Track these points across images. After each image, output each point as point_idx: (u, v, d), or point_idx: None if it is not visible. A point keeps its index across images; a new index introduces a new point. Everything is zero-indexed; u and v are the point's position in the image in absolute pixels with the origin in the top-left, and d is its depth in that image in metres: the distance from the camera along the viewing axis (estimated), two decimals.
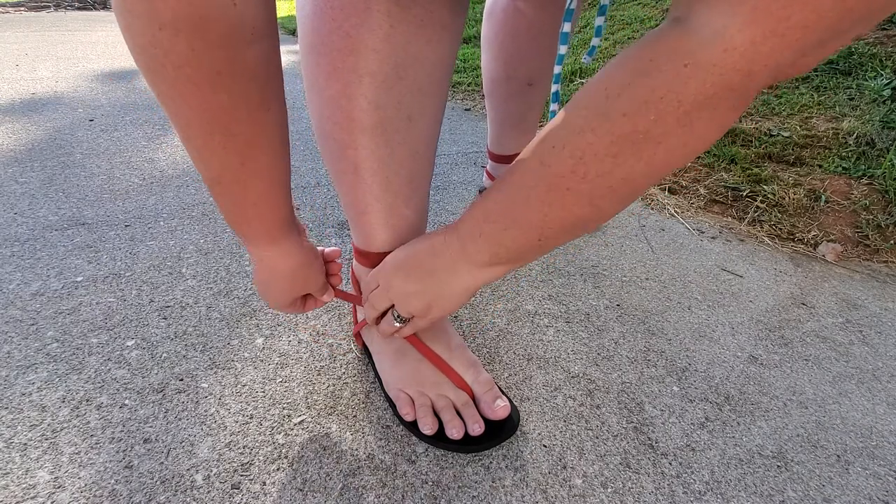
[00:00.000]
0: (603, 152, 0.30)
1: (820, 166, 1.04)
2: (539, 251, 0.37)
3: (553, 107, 0.56)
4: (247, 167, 0.35)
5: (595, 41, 0.52)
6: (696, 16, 0.26)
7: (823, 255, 0.84)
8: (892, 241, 0.86)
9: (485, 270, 0.40)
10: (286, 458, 0.45)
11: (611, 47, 1.91)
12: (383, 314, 0.48)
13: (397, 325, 0.47)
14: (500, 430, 0.46)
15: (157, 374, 0.53)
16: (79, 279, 0.67)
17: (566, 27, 0.49)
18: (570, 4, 0.43)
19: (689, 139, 0.29)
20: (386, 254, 0.49)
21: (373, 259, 0.50)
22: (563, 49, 0.49)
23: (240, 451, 0.45)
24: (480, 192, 0.99)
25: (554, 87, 0.56)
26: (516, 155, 0.89)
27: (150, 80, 0.29)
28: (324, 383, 0.53)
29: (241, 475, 0.43)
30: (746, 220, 0.93)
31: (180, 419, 0.48)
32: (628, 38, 1.88)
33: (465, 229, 0.39)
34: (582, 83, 1.61)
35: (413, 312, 0.44)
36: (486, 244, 0.38)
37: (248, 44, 0.29)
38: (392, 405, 0.50)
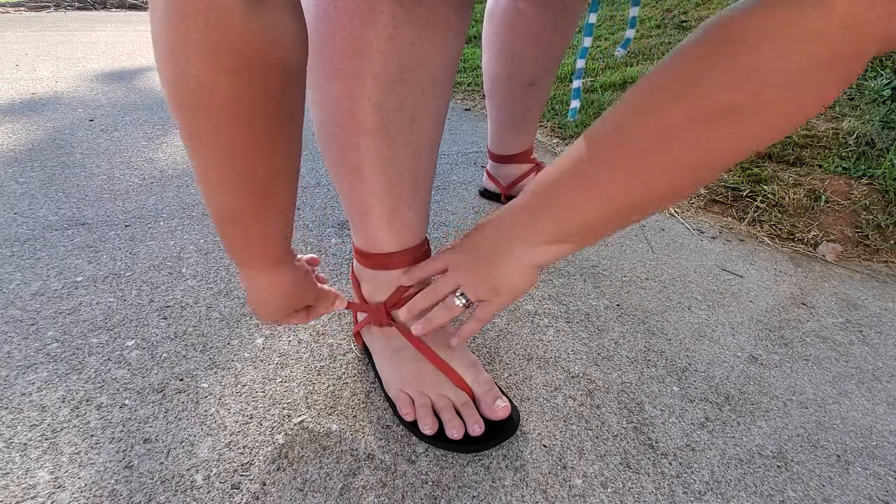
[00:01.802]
0: (695, 126, 0.28)
1: (820, 166, 1.04)
2: (610, 229, 0.36)
3: (574, 104, 0.56)
4: (266, 204, 0.35)
5: (629, 32, 0.51)
6: None
7: (823, 255, 0.84)
8: (892, 241, 0.86)
9: (550, 248, 0.39)
10: (286, 458, 0.45)
11: (611, 47, 1.91)
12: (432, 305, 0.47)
13: (460, 304, 0.44)
14: (500, 430, 0.46)
15: (157, 374, 0.53)
16: (79, 279, 0.67)
17: (592, 18, 0.49)
18: None
19: (784, 113, 0.27)
20: (386, 254, 0.49)
21: (374, 260, 0.50)
22: (587, 41, 0.49)
23: (240, 451, 0.45)
24: (481, 192, 0.99)
25: (576, 83, 0.56)
26: (516, 155, 0.90)
27: (185, 114, 0.28)
28: (324, 383, 0.53)
29: (241, 475, 0.43)
30: (746, 220, 0.93)
31: (180, 419, 0.48)
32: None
33: (530, 209, 0.38)
34: (582, 82, 1.61)
35: (479, 296, 0.43)
36: (552, 222, 0.37)
37: (295, 84, 0.29)
38: (392, 405, 0.50)
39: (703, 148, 0.29)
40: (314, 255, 0.50)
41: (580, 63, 0.52)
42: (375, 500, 0.42)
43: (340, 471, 0.44)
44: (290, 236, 0.41)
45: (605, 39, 2.01)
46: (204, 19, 0.24)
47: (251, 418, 0.49)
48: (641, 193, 0.33)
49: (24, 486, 0.41)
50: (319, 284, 0.49)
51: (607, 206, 0.34)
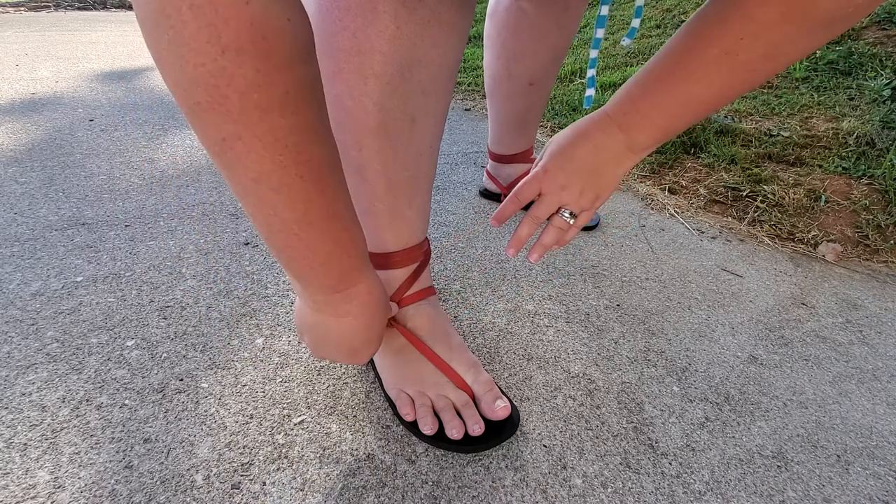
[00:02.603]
0: (799, 39, 0.33)
1: (820, 166, 1.04)
2: (699, 118, 0.40)
3: (588, 91, 0.56)
4: (328, 195, 0.32)
5: (635, 22, 0.53)
6: None
7: (823, 255, 0.84)
8: (892, 241, 0.86)
9: (644, 152, 0.42)
10: (286, 458, 0.45)
11: (611, 47, 1.91)
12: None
13: (570, 221, 0.46)
14: (500, 431, 0.46)
15: (157, 374, 0.53)
16: (79, 279, 0.67)
17: (604, 10, 0.49)
18: None
19: (869, 10, 0.32)
20: (387, 254, 0.49)
21: (374, 259, 0.50)
22: (600, 33, 0.50)
23: (240, 451, 0.45)
24: (481, 192, 0.99)
25: (590, 72, 0.56)
26: (517, 154, 0.90)
27: (209, 118, 0.26)
28: (324, 383, 0.53)
29: (241, 475, 0.43)
30: (746, 220, 0.93)
31: (180, 419, 0.48)
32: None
33: (631, 122, 0.40)
34: (582, 83, 1.61)
35: (584, 207, 0.45)
36: (655, 132, 0.40)
37: (304, 61, 0.27)
38: (392, 405, 0.50)
39: (803, 52, 0.34)
40: None
41: (593, 53, 0.53)
42: (375, 500, 0.42)
43: (340, 471, 0.44)
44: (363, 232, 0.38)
45: (605, 39, 2.01)
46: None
47: (251, 418, 0.49)
48: (736, 94, 0.37)
49: (24, 486, 0.41)
50: None
51: (702, 112, 0.38)
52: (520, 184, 0.46)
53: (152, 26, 0.24)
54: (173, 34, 0.24)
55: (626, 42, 0.55)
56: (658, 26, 1.98)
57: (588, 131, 0.43)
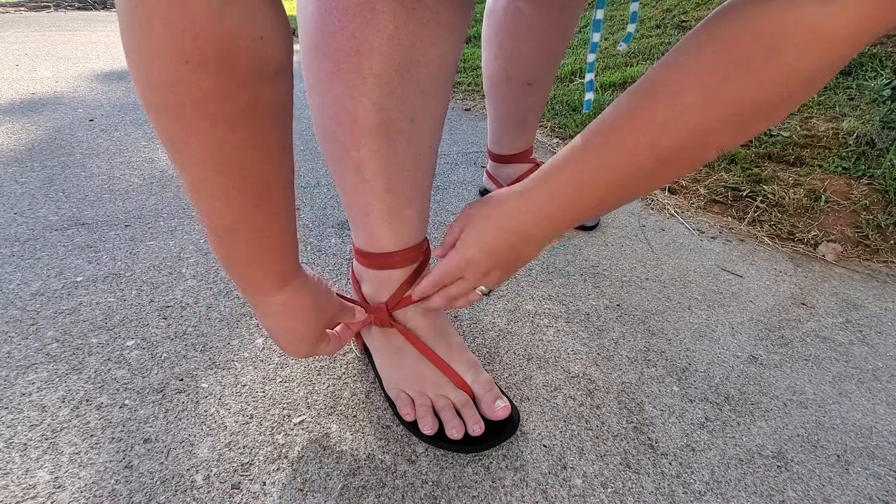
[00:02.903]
0: (728, 124, 0.31)
1: (820, 166, 1.04)
2: (618, 205, 0.39)
3: (588, 95, 0.56)
4: (263, 211, 0.33)
5: (631, 27, 0.52)
6: None
7: (823, 255, 0.84)
8: (892, 241, 0.86)
9: (564, 231, 0.42)
10: (286, 458, 0.45)
11: (611, 47, 1.91)
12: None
13: (483, 294, 0.46)
14: (500, 431, 0.46)
15: (157, 374, 0.53)
16: (79, 279, 0.67)
17: (599, 14, 0.49)
18: None
19: (809, 95, 0.30)
20: (387, 254, 0.49)
21: (374, 260, 0.50)
22: (596, 37, 0.50)
23: (240, 451, 0.45)
24: (481, 192, 0.99)
25: (588, 76, 0.57)
26: (516, 155, 0.90)
27: (163, 120, 0.27)
28: (324, 383, 0.53)
29: (241, 475, 0.43)
30: (746, 220, 0.93)
31: (180, 419, 0.48)
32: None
33: (553, 208, 0.39)
34: (581, 82, 1.61)
35: (499, 283, 0.46)
36: (575, 215, 0.39)
37: (271, 81, 0.28)
38: (392, 405, 0.50)
39: (739, 138, 0.32)
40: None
41: (591, 57, 0.53)
42: (375, 500, 0.42)
43: (340, 471, 0.44)
44: (296, 248, 0.39)
45: (605, 39, 2.01)
46: (166, 7, 0.23)
47: (251, 418, 0.49)
48: (665, 181, 0.35)
49: (24, 486, 0.41)
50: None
51: (630, 197, 0.37)
52: (440, 271, 0.45)
53: (126, 26, 0.25)
54: (142, 38, 0.24)
55: (622, 47, 0.55)
56: (658, 26, 1.98)
57: (508, 219, 0.41)
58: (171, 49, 0.24)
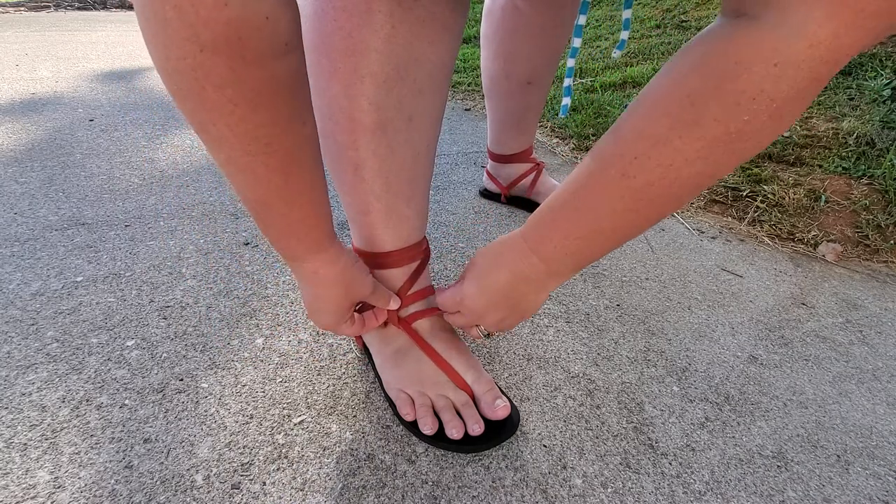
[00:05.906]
0: (694, 156, 0.30)
1: (820, 166, 1.04)
2: (616, 247, 0.39)
3: (565, 100, 0.57)
4: (291, 184, 0.34)
5: (624, 34, 0.53)
6: (771, 12, 0.26)
7: (823, 255, 0.84)
8: (892, 241, 0.85)
9: (568, 276, 0.42)
10: (286, 458, 0.45)
11: (610, 47, 1.91)
12: None
13: (484, 335, 0.49)
14: (500, 430, 0.46)
15: (157, 374, 0.53)
16: (79, 279, 0.67)
17: (581, 20, 0.50)
18: None
19: (778, 128, 0.30)
20: (386, 253, 0.49)
21: (374, 259, 0.50)
22: (577, 42, 0.50)
23: (240, 451, 0.45)
24: (481, 192, 0.99)
25: (567, 81, 0.57)
26: (516, 154, 0.90)
27: (187, 106, 0.29)
28: (324, 383, 0.53)
29: (241, 475, 0.43)
30: (746, 220, 0.93)
31: (180, 419, 0.48)
32: (629, 38, 1.88)
33: (546, 252, 0.39)
34: (581, 82, 1.61)
35: (503, 328, 0.46)
36: (571, 260, 0.39)
37: (283, 56, 0.28)
38: (392, 405, 0.50)
39: (708, 172, 0.31)
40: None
41: (570, 62, 0.53)
42: (375, 500, 0.42)
43: (340, 471, 0.44)
44: (329, 218, 0.40)
45: (605, 39, 2.01)
46: None
47: (251, 418, 0.49)
48: (648, 219, 0.35)
49: (24, 486, 0.41)
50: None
51: (616, 239, 0.37)
52: (437, 300, 0.48)
53: (142, 18, 0.26)
54: (158, 29, 0.25)
55: (616, 54, 0.56)
56: (658, 26, 1.98)
57: (507, 260, 0.42)
58: (188, 37, 0.25)
